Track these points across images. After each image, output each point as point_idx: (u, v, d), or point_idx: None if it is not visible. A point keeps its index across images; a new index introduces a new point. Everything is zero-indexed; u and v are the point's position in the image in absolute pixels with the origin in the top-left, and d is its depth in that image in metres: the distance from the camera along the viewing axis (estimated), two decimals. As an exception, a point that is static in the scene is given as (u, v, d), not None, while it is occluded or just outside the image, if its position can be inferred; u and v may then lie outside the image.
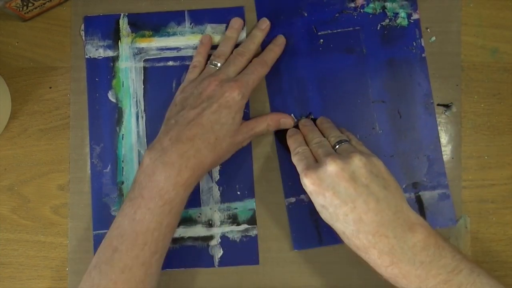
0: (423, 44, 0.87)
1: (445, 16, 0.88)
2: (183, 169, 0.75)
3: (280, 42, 0.87)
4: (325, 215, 0.74)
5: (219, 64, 0.84)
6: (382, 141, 0.87)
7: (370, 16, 0.88)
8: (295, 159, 0.79)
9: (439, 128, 0.87)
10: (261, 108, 0.88)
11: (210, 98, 0.78)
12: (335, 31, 0.88)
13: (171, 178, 0.74)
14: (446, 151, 0.87)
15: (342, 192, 0.71)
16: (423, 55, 0.87)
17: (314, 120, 0.87)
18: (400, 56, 0.88)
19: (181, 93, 0.83)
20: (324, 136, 0.81)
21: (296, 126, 0.86)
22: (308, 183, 0.73)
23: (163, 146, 0.76)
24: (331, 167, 0.72)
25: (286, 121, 0.86)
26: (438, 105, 0.87)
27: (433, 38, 0.88)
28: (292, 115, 0.87)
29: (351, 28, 0.88)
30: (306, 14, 0.88)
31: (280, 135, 0.87)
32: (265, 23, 0.87)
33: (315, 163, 0.75)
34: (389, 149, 0.87)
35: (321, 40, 0.88)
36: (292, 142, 0.82)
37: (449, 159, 0.87)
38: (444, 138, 0.87)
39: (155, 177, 0.74)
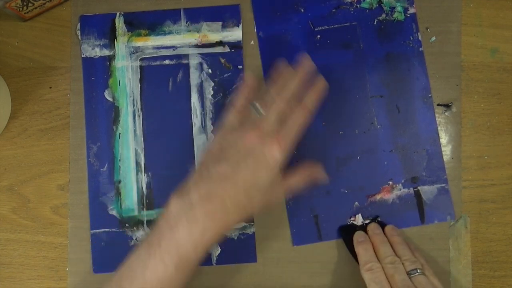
0: (420, 38, 0.88)
1: (445, 16, 0.88)
2: (207, 230, 0.71)
3: (321, 86, 0.83)
4: None
5: (261, 110, 0.79)
6: (381, 136, 0.87)
7: (367, 11, 0.88)
8: (367, 276, 0.77)
9: (439, 128, 0.87)
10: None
11: (249, 154, 0.74)
12: (332, 26, 0.88)
13: (192, 236, 0.71)
14: (446, 151, 0.87)
15: None
16: (420, 49, 0.87)
17: (380, 223, 0.87)
18: (398, 50, 0.88)
19: (220, 139, 0.79)
20: (395, 252, 0.80)
21: (362, 229, 0.86)
22: None
23: (191, 199, 0.72)
24: None
25: (320, 176, 0.84)
26: (438, 105, 0.87)
27: (433, 38, 0.87)
28: (359, 215, 0.86)
29: (348, 24, 0.88)
30: (302, 10, 0.89)
31: (346, 235, 0.86)
32: (307, 62, 0.83)
33: None
34: (388, 144, 0.87)
35: (318, 36, 0.88)
36: (363, 252, 0.80)
37: (449, 159, 0.87)
38: (444, 138, 0.87)
39: (176, 230, 0.71)
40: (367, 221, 0.86)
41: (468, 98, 0.87)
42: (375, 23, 0.88)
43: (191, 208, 0.72)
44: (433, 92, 0.87)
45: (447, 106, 0.87)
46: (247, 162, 0.74)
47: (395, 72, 0.87)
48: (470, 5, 0.88)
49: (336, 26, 0.88)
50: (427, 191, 0.86)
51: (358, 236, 0.83)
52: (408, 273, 0.76)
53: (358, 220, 0.86)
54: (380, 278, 0.75)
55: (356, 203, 0.86)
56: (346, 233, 0.85)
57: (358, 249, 0.81)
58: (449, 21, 0.88)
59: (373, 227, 0.84)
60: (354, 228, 0.86)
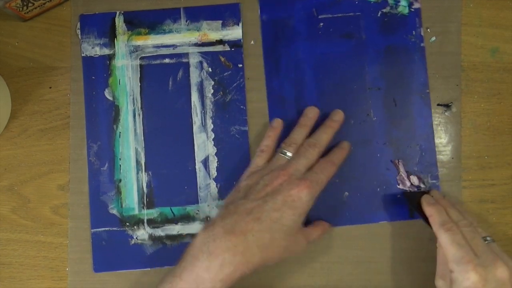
0: (422, 34, 0.88)
1: (445, 16, 0.88)
2: (226, 264, 0.71)
3: (345, 145, 0.85)
4: None
5: (289, 154, 0.81)
6: (376, 128, 0.87)
7: (372, 2, 0.88)
8: (447, 237, 0.73)
9: (439, 128, 0.87)
10: (259, 87, 0.89)
11: (276, 192, 0.76)
12: (336, 15, 0.88)
13: (211, 270, 0.71)
14: (446, 151, 0.87)
15: None
16: (422, 44, 0.87)
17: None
18: (399, 44, 0.88)
19: (247, 179, 0.81)
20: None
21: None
22: (475, 278, 0.69)
23: (215, 232, 0.73)
24: (502, 273, 0.69)
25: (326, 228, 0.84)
26: (438, 105, 0.87)
27: (433, 38, 0.88)
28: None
29: (351, 14, 0.88)
30: (307, -4, 0.89)
31: (411, 201, 0.85)
32: (339, 114, 0.85)
33: (476, 255, 0.71)
34: (382, 136, 0.87)
35: (321, 24, 0.88)
36: (437, 213, 0.77)
37: (449, 159, 0.87)
38: (444, 138, 0.87)
39: (197, 263, 0.72)
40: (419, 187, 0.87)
41: (468, 98, 0.87)
42: (378, 15, 0.88)
43: (213, 240, 0.72)
44: (433, 92, 0.87)
45: (447, 106, 0.87)
46: (274, 201, 0.75)
47: (395, 65, 0.87)
48: (470, 5, 0.88)
49: (339, 15, 0.88)
50: (418, 186, 0.87)
51: (427, 198, 0.81)
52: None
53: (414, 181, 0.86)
54: (463, 240, 0.72)
55: (346, 193, 0.86)
56: (411, 198, 0.85)
57: (431, 210, 0.78)
58: (449, 21, 0.88)
59: (437, 193, 0.83)
60: (417, 193, 0.85)
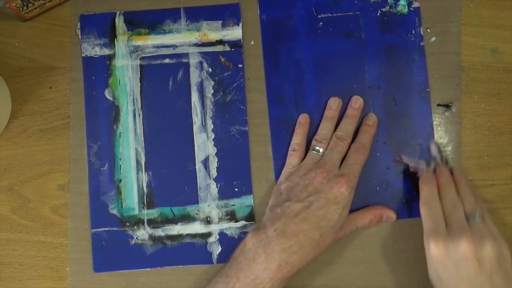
0: (422, 33, 0.88)
1: (445, 16, 0.88)
2: (284, 264, 0.75)
3: (372, 121, 0.86)
4: (435, 280, 0.76)
5: (321, 150, 0.84)
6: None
7: (371, 1, 0.88)
8: (424, 210, 0.78)
9: (439, 128, 0.87)
10: (259, 87, 0.89)
11: (318, 192, 0.79)
12: (335, 14, 0.89)
13: (269, 270, 0.75)
14: (446, 151, 0.86)
15: (464, 271, 0.71)
16: (421, 43, 0.87)
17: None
18: (399, 43, 0.88)
19: (286, 180, 0.83)
20: (458, 195, 0.79)
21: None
22: (433, 248, 0.74)
23: (268, 235, 0.77)
24: (464, 247, 0.71)
25: (389, 215, 0.85)
26: (438, 105, 0.87)
27: (433, 38, 0.87)
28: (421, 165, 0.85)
29: (351, 13, 0.89)
30: (307, -4, 0.89)
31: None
32: (359, 101, 0.86)
33: (445, 229, 0.75)
34: (382, 135, 0.87)
35: (321, 23, 0.89)
36: (426, 188, 0.80)
37: (449, 159, 0.86)
38: (444, 138, 0.87)
39: (254, 264, 0.76)
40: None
41: (468, 98, 0.87)
42: (378, 14, 0.88)
43: (268, 242, 0.76)
44: (433, 92, 0.87)
45: (447, 106, 0.87)
46: (318, 200, 0.78)
47: (395, 64, 0.87)
48: (470, 5, 0.88)
49: (339, 14, 0.88)
50: (417, 185, 0.86)
51: (425, 175, 0.83)
52: (466, 216, 0.76)
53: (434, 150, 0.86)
54: (436, 216, 0.77)
55: None
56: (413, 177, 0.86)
57: (422, 186, 0.81)
58: (449, 21, 0.88)
59: (442, 169, 0.84)
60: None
